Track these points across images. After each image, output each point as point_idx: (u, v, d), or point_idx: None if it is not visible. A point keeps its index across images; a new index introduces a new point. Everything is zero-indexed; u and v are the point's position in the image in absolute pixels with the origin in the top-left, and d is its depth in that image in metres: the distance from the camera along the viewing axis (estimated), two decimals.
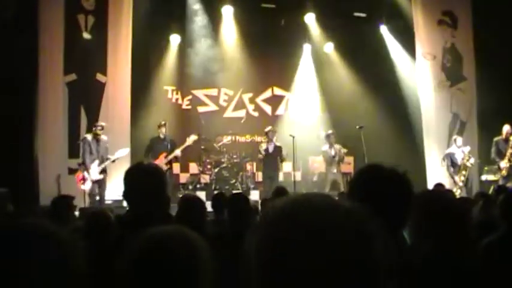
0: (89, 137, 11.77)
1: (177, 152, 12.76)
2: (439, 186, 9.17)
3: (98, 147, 11.71)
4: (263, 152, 13.44)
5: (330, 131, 14.15)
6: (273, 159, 13.47)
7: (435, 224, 2.79)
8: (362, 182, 2.44)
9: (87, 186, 11.55)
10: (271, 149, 13.46)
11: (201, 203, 4.88)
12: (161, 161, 12.23)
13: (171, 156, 12.62)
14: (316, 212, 1.08)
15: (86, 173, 11.57)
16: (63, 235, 1.34)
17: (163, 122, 12.95)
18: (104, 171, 11.76)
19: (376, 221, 1.12)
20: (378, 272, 1.07)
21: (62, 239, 1.33)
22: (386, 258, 1.10)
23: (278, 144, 13.60)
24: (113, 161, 11.75)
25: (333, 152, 13.72)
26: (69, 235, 1.36)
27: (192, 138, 13.06)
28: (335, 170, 13.78)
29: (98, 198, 11.62)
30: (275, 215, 1.11)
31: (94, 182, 11.62)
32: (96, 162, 11.64)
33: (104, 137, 11.84)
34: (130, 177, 3.13)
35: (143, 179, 3.08)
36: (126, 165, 11.58)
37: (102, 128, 11.79)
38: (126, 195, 3.09)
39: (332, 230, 1.06)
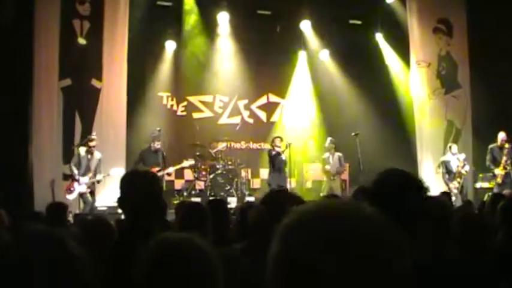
0: (82, 151, 11.79)
1: (171, 169, 12.67)
2: (444, 194, 9.16)
3: (90, 162, 11.72)
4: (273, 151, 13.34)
5: (330, 139, 14.15)
6: (279, 170, 13.30)
7: (434, 230, 2.78)
8: (384, 186, 2.38)
9: (72, 196, 11.55)
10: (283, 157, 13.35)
11: (203, 209, 4.75)
12: None
13: (163, 173, 12.46)
14: (338, 221, 1.05)
15: (75, 184, 11.60)
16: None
17: (157, 134, 12.83)
18: (91, 187, 11.80)
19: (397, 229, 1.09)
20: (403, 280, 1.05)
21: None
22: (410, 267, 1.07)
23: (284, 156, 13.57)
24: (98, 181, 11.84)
25: (331, 160, 13.73)
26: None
27: (188, 163, 13.08)
28: (332, 177, 13.77)
29: (88, 208, 11.62)
30: (293, 224, 1.08)
31: (81, 195, 11.64)
32: (86, 177, 11.66)
33: (97, 154, 11.89)
34: (126, 183, 3.10)
35: (140, 184, 3.05)
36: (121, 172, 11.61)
37: (94, 140, 11.83)
38: (121, 201, 3.05)
39: (356, 240, 1.03)
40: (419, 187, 2.32)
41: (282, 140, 13.48)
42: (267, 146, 14.33)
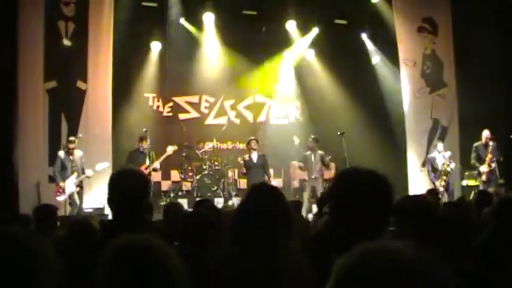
0: (62, 154, 11.73)
1: (156, 164, 12.57)
2: (431, 192, 9.21)
3: (72, 162, 11.66)
4: (242, 163, 12.93)
5: (313, 137, 14.01)
6: (257, 169, 12.82)
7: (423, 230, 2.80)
8: (341, 185, 2.36)
9: (61, 198, 11.51)
10: (255, 159, 12.93)
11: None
12: None
13: (150, 169, 12.39)
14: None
15: (62, 186, 11.54)
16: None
17: (144, 134, 12.76)
18: (79, 186, 11.75)
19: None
20: None
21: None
22: None
23: (260, 153, 13.24)
24: (88, 176, 11.75)
25: (313, 159, 13.50)
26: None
27: (170, 149, 12.89)
28: (313, 176, 13.58)
29: (75, 209, 11.58)
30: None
31: (70, 195, 11.59)
32: (73, 176, 11.60)
33: (78, 152, 11.80)
34: (115, 182, 3.10)
35: (128, 182, 3.04)
36: (107, 172, 11.53)
37: (74, 142, 11.77)
38: (110, 200, 3.05)
39: None
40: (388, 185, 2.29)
41: (257, 141, 13.15)
42: None
